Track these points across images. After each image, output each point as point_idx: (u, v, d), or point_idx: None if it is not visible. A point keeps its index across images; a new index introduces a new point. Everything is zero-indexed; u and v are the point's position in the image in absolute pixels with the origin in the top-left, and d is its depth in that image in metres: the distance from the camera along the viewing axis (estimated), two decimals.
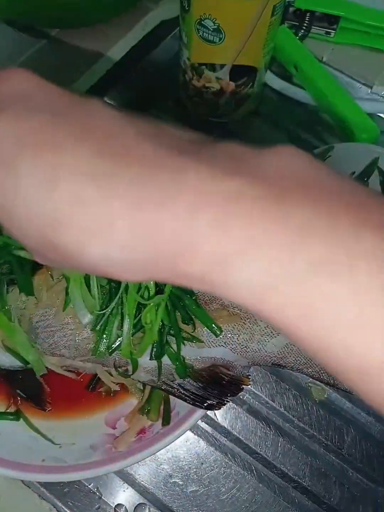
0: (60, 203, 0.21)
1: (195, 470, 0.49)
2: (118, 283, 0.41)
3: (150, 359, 0.41)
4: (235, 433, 0.51)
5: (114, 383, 0.46)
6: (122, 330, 0.40)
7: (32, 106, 0.23)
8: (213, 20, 0.52)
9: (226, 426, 0.51)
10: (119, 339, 0.41)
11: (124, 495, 0.48)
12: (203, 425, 0.51)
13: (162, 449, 0.44)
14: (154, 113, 0.69)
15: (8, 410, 0.48)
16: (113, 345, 0.40)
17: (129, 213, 0.20)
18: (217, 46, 0.55)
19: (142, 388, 0.48)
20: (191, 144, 0.23)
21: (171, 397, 0.47)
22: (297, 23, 0.71)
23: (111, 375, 0.46)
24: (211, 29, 0.53)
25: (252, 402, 0.52)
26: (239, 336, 0.43)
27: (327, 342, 0.19)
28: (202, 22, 0.53)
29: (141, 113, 0.72)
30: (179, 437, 0.44)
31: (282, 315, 0.20)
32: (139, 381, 0.46)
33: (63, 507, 0.46)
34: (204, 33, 0.54)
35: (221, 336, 0.43)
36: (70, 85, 0.67)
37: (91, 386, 0.49)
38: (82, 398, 0.49)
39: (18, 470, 0.43)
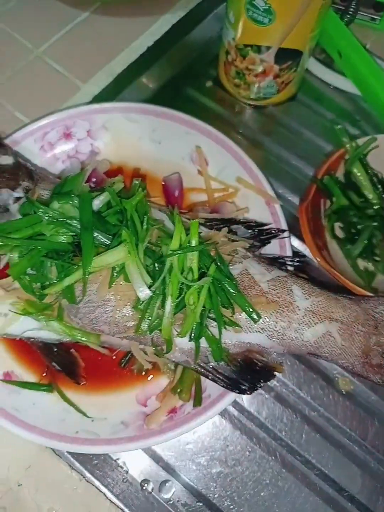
0: None
1: (220, 451, 0.50)
2: (163, 263, 0.41)
3: (189, 340, 0.41)
4: (261, 419, 0.51)
5: (147, 361, 0.47)
6: (163, 310, 0.41)
7: None
8: (265, 0, 0.51)
9: (252, 411, 0.51)
10: (158, 318, 0.41)
11: (150, 471, 0.49)
12: (230, 408, 0.51)
13: (193, 429, 0.44)
14: (191, 93, 0.68)
15: (41, 382, 0.49)
16: (154, 324, 0.41)
17: None
18: (266, 28, 0.54)
19: (173, 368, 0.49)
20: None
21: (202, 378, 0.47)
22: (344, 8, 0.69)
23: (146, 354, 0.46)
24: (262, 10, 0.52)
25: (279, 389, 0.52)
26: (276, 323, 0.43)
27: None
28: (253, 2, 0.52)
29: (179, 92, 0.70)
30: (210, 418, 0.44)
31: None
32: (172, 361, 0.47)
33: (92, 477, 0.47)
34: (254, 13, 0.53)
35: (259, 322, 0.43)
36: (110, 61, 0.66)
37: (124, 363, 0.49)
38: (114, 374, 0.49)
39: (53, 439, 0.44)
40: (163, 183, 0.57)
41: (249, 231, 0.51)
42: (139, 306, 0.41)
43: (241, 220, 0.51)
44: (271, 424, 0.51)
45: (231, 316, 0.42)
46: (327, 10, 0.55)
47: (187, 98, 0.68)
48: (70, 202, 0.41)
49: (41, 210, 0.41)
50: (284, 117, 0.67)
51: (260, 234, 0.50)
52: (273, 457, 0.50)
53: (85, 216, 0.40)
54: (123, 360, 0.50)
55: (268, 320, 0.43)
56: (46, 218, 0.41)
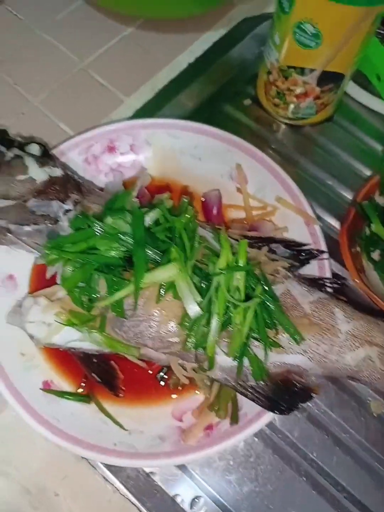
0: None
1: (251, 470, 0.50)
2: (209, 281, 0.42)
3: (233, 359, 0.42)
4: (293, 438, 0.51)
5: (185, 377, 0.47)
6: (208, 328, 0.41)
7: None
8: (314, 25, 0.52)
9: (284, 431, 0.51)
10: (203, 336, 0.42)
11: (182, 486, 0.49)
12: (262, 427, 0.51)
13: (230, 447, 0.45)
14: (229, 110, 0.69)
15: (78, 392, 0.49)
16: (199, 341, 0.41)
17: None
18: (312, 51, 0.55)
19: (209, 384, 0.49)
20: None
21: (238, 396, 0.48)
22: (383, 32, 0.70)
23: (185, 370, 0.47)
24: (310, 34, 0.53)
25: (311, 410, 0.52)
26: (318, 346, 0.44)
27: None
28: (301, 25, 0.53)
29: (217, 109, 0.71)
30: (248, 436, 0.45)
31: None
32: (211, 378, 0.47)
33: (125, 489, 0.48)
34: (301, 37, 0.54)
35: (301, 344, 0.43)
36: (153, 76, 0.67)
37: (160, 377, 0.50)
38: (150, 388, 0.50)
39: (92, 450, 0.44)
40: (202, 199, 0.58)
41: (288, 250, 0.51)
42: (186, 323, 0.42)
43: (281, 239, 0.52)
44: (303, 444, 0.51)
45: (274, 337, 0.43)
46: (372, 35, 0.56)
47: (225, 115, 0.69)
48: (123, 218, 0.42)
49: (96, 225, 0.41)
50: (321, 137, 0.68)
51: (300, 254, 0.51)
52: (304, 478, 0.50)
53: (138, 233, 0.41)
54: (159, 374, 0.50)
55: (310, 342, 0.43)
56: (100, 233, 0.41)
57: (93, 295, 0.44)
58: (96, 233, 0.42)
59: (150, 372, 0.50)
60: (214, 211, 0.57)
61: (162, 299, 0.42)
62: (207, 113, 0.68)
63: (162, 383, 0.50)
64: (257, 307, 0.41)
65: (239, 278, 0.41)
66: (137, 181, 0.54)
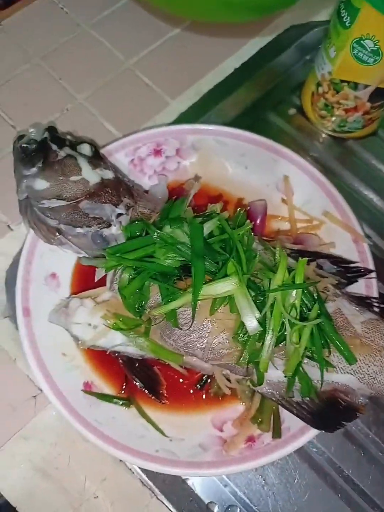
0: None
1: (286, 482, 0.50)
2: (264, 297, 0.42)
3: (284, 376, 0.42)
4: (329, 454, 0.51)
5: (227, 387, 0.47)
6: (262, 343, 0.41)
7: None
8: (375, 41, 0.51)
9: (321, 446, 0.51)
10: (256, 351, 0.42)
11: (217, 494, 0.49)
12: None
13: (274, 461, 0.45)
14: (272, 118, 0.68)
15: (118, 395, 0.49)
16: (252, 356, 0.41)
17: None
18: (369, 67, 0.54)
19: (250, 395, 0.49)
20: None
21: (280, 410, 0.48)
22: None
23: (228, 380, 0.47)
24: (369, 50, 0.52)
25: (349, 427, 0.52)
26: (369, 367, 0.44)
27: None
28: (362, 41, 0.52)
29: (260, 117, 0.71)
30: (292, 451, 0.45)
31: None
32: (252, 389, 0.47)
33: (162, 495, 0.48)
34: (360, 53, 0.53)
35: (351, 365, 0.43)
36: (199, 79, 0.67)
37: (201, 385, 0.50)
38: (190, 396, 0.50)
39: (135, 456, 0.44)
40: (247, 208, 0.58)
41: (335, 267, 0.51)
42: (239, 337, 0.41)
43: (328, 255, 0.52)
44: (339, 460, 0.51)
45: (327, 356, 0.42)
46: None
47: (268, 123, 0.68)
48: (181, 228, 0.42)
49: (156, 233, 0.41)
50: (364, 151, 0.67)
51: (347, 271, 0.51)
52: (339, 495, 0.50)
53: (197, 244, 0.41)
54: (200, 383, 0.50)
55: (360, 363, 0.43)
56: (159, 241, 0.41)
57: (144, 301, 0.44)
58: (156, 242, 0.41)
59: (186, 382, 0.50)
60: (258, 221, 0.57)
61: (215, 311, 0.42)
62: (250, 120, 0.67)
63: (202, 391, 0.50)
64: (314, 327, 0.41)
65: (295, 296, 0.41)
66: (187, 187, 0.54)
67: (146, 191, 0.57)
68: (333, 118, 0.64)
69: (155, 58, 0.68)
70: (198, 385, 0.50)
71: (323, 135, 0.68)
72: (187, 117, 0.65)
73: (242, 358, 0.41)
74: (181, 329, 0.43)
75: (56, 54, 0.67)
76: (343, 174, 0.66)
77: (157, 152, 0.58)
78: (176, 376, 0.50)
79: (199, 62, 0.68)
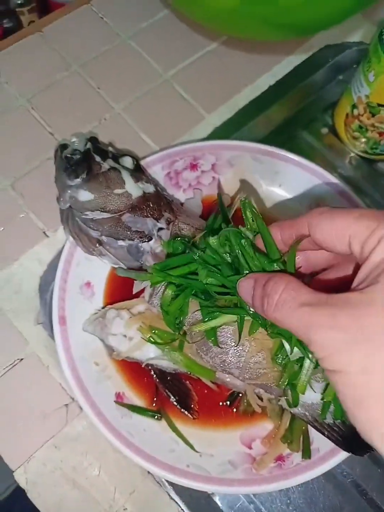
0: None
1: (310, 503, 0.51)
2: None
3: (321, 399, 0.42)
4: (354, 476, 0.52)
5: (258, 406, 0.48)
6: (300, 366, 0.42)
7: None
8: None
9: (345, 467, 0.52)
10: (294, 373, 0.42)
11: (242, 510, 0.50)
12: None
13: (304, 481, 0.45)
14: (305, 137, 0.69)
15: (149, 408, 0.50)
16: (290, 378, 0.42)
17: None
18: None
19: (279, 413, 0.49)
20: None
21: (309, 430, 0.48)
22: None
23: (260, 399, 0.47)
24: None
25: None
26: None
27: None
28: None
29: (292, 135, 0.71)
30: (322, 473, 0.45)
31: None
32: (282, 408, 0.48)
33: (189, 510, 0.48)
34: None
35: None
36: (234, 95, 0.67)
37: (230, 402, 0.50)
38: (219, 411, 0.50)
39: (166, 470, 0.45)
40: None
41: None
42: (278, 359, 0.42)
43: None
44: (363, 482, 0.52)
45: None
46: None
47: (300, 141, 0.69)
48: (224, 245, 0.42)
49: (197, 254, 0.42)
50: None
51: None
52: None
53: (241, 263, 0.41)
54: (229, 399, 0.51)
55: None
56: (200, 261, 0.42)
57: (182, 317, 0.44)
58: (196, 259, 0.42)
59: (220, 395, 0.51)
60: None
61: (255, 332, 0.42)
62: (283, 137, 0.68)
63: (232, 407, 0.50)
64: None
65: None
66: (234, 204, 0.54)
67: (182, 204, 0.58)
68: (366, 140, 0.65)
69: (192, 72, 0.68)
70: (227, 402, 0.51)
71: (352, 154, 0.69)
72: (221, 132, 0.65)
73: (281, 380, 0.41)
74: (221, 347, 0.43)
75: (95, 63, 0.67)
76: (372, 194, 0.67)
77: (193, 166, 0.59)
78: (205, 391, 0.51)
79: (235, 78, 0.68)
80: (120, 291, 0.54)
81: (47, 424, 0.48)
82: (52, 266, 0.55)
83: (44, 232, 0.57)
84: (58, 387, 0.50)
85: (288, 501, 0.51)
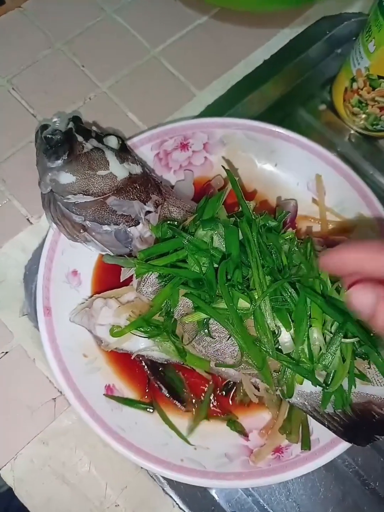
0: None
1: (311, 493, 0.49)
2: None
3: (323, 390, 0.40)
4: (356, 466, 0.50)
5: (255, 395, 0.46)
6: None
7: None
8: None
9: (348, 457, 0.50)
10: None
11: (240, 504, 0.48)
12: None
13: (303, 474, 0.43)
14: (301, 113, 0.66)
15: (141, 401, 0.48)
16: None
17: None
18: None
19: (277, 403, 0.47)
20: None
21: (308, 420, 0.46)
22: None
23: (257, 389, 0.45)
24: None
25: None
26: None
27: None
28: None
29: (289, 111, 0.67)
30: (322, 464, 0.43)
31: None
32: (280, 398, 0.46)
33: (184, 505, 0.46)
34: None
35: None
36: (227, 71, 0.64)
37: (225, 392, 0.48)
38: (215, 402, 0.48)
39: (160, 465, 0.43)
40: (276, 206, 0.56)
41: None
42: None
43: None
44: (365, 472, 0.50)
45: (367, 368, 0.41)
46: None
47: (297, 118, 0.66)
48: (215, 232, 0.40)
49: (186, 239, 0.39)
50: None
51: None
52: (365, 507, 0.49)
53: (234, 251, 0.38)
54: (224, 389, 0.49)
55: None
56: (190, 247, 0.39)
57: (172, 307, 0.42)
58: (187, 247, 0.39)
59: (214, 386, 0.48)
60: (288, 221, 0.55)
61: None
62: (278, 114, 0.64)
63: (227, 398, 0.48)
64: (355, 344, 0.39)
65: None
66: (214, 184, 0.52)
67: (172, 187, 0.55)
68: (366, 116, 0.61)
69: (182, 47, 0.65)
70: (223, 392, 0.48)
71: (351, 132, 0.65)
72: (213, 109, 0.62)
73: (280, 373, 0.39)
74: (213, 338, 0.41)
75: (79, 39, 0.64)
76: (372, 172, 0.64)
77: (184, 146, 0.56)
78: (199, 382, 0.49)
79: (227, 53, 0.65)
80: (109, 279, 0.51)
81: (35, 419, 0.46)
82: (37, 255, 0.52)
83: (27, 219, 0.54)
84: (45, 380, 0.48)
85: (288, 493, 0.49)
